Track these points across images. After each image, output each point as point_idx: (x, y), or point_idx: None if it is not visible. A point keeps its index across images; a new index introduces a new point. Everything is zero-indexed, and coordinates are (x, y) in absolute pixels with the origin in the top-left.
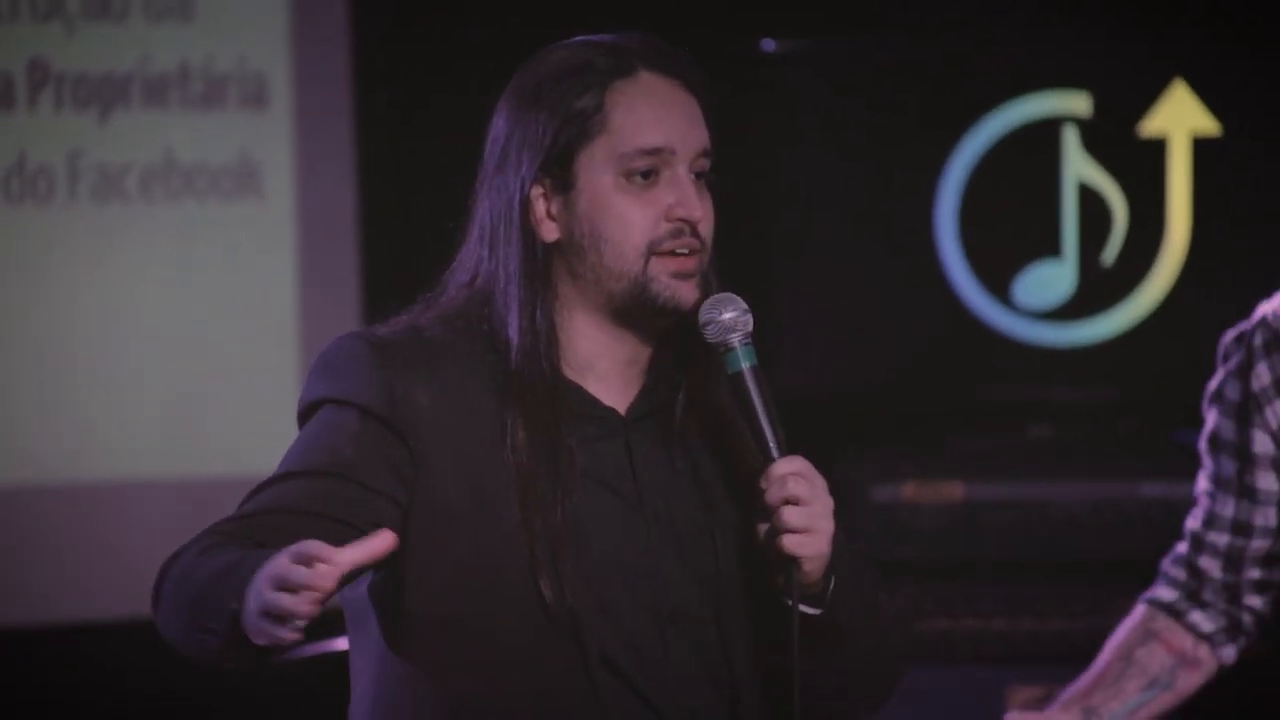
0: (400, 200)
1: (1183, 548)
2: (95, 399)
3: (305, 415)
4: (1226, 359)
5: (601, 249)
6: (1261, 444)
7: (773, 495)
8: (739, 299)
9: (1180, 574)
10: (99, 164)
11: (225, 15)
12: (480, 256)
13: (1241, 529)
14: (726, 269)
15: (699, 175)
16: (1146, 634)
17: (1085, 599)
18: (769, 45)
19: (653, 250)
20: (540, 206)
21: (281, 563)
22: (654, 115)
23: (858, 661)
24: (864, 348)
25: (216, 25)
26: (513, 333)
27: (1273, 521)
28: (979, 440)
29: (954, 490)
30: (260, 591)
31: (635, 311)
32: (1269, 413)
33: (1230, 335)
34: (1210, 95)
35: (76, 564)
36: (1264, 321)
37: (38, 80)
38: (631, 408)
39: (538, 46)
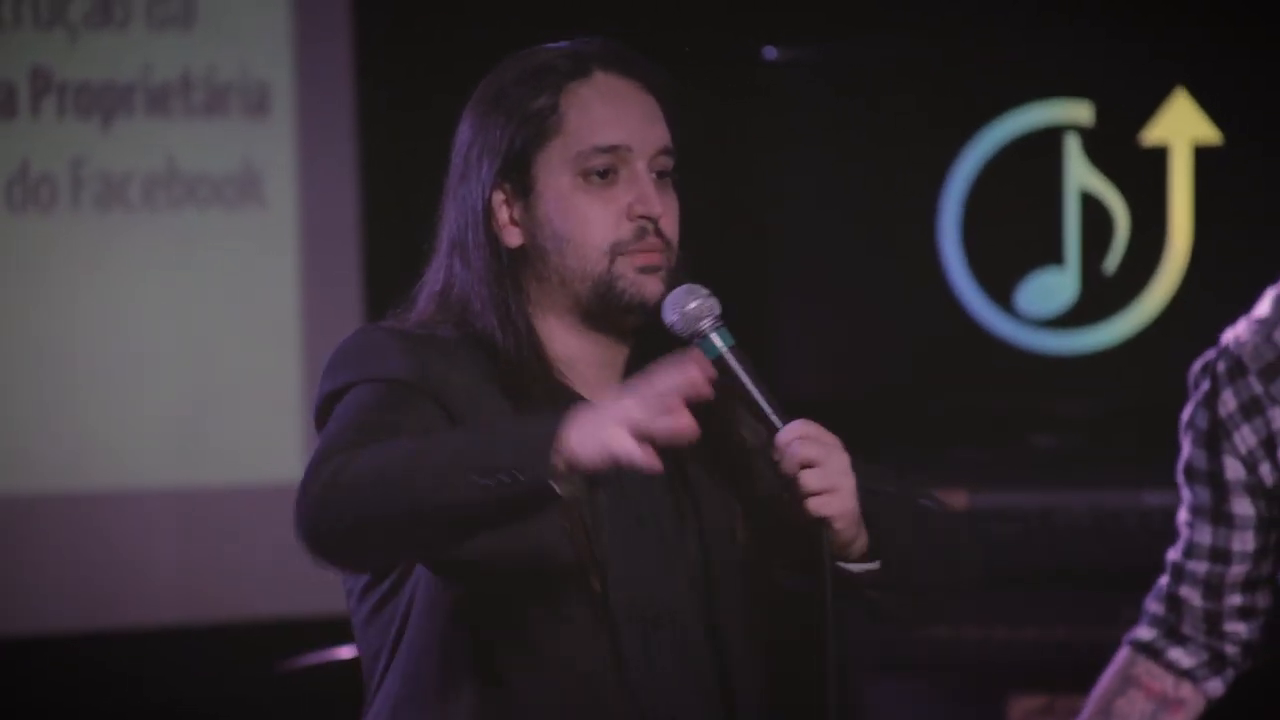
0: (402, 208)
1: (1164, 580)
2: (98, 407)
3: (328, 405)
4: (1195, 387)
5: (564, 250)
6: (1233, 470)
7: (786, 464)
8: (698, 286)
9: (1159, 609)
10: (101, 172)
11: (227, 24)
12: (451, 266)
13: (1220, 555)
14: (728, 275)
15: (660, 174)
16: (1125, 681)
17: (1087, 608)
18: (771, 53)
19: (617, 251)
20: (503, 213)
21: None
22: (610, 113)
23: (935, 575)
24: (865, 355)
25: (218, 34)
26: (498, 339)
27: (1250, 546)
28: (981, 449)
29: (956, 499)
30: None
31: (603, 311)
32: (1237, 438)
33: (1197, 365)
34: (1211, 104)
35: (79, 572)
36: (1226, 349)
37: (40, 88)
38: None
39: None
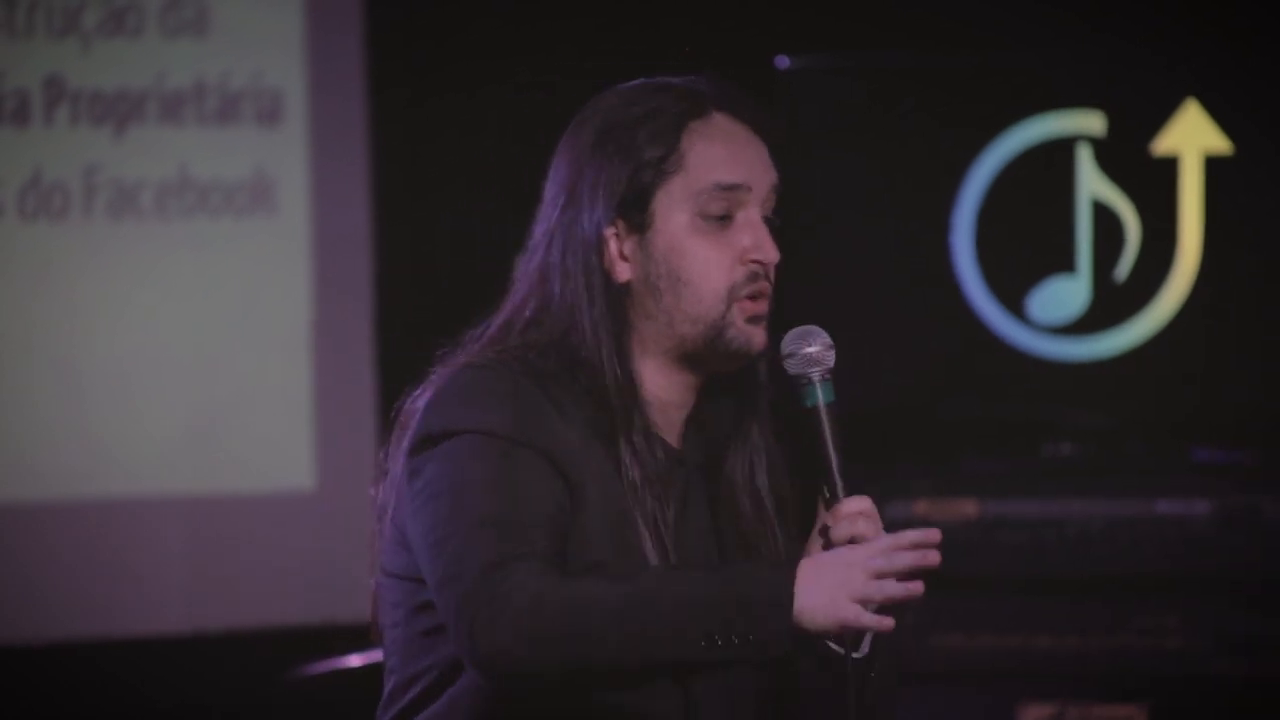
0: (415, 216)
1: None
2: (109, 414)
3: (429, 443)
4: None
5: (680, 291)
6: None
7: (839, 532)
8: (823, 333)
9: None
10: (114, 180)
11: (241, 32)
12: (551, 292)
13: None
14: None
15: (766, 218)
16: None
17: (1100, 616)
18: (784, 62)
19: (733, 296)
20: (613, 246)
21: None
22: (729, 153)
23: (889, 686)
24: (878, 363)
25: (232, 42)
26: (604, 374)
27: None
28: (992, 457)
29: (967, 507)
30: (861, 581)
31: (705, 355)
32: None
33: None
34: (1222, 115)
35: (90, 580)
36: None
37: (53, 96)
38: (684, 453)
39: (555, 66)
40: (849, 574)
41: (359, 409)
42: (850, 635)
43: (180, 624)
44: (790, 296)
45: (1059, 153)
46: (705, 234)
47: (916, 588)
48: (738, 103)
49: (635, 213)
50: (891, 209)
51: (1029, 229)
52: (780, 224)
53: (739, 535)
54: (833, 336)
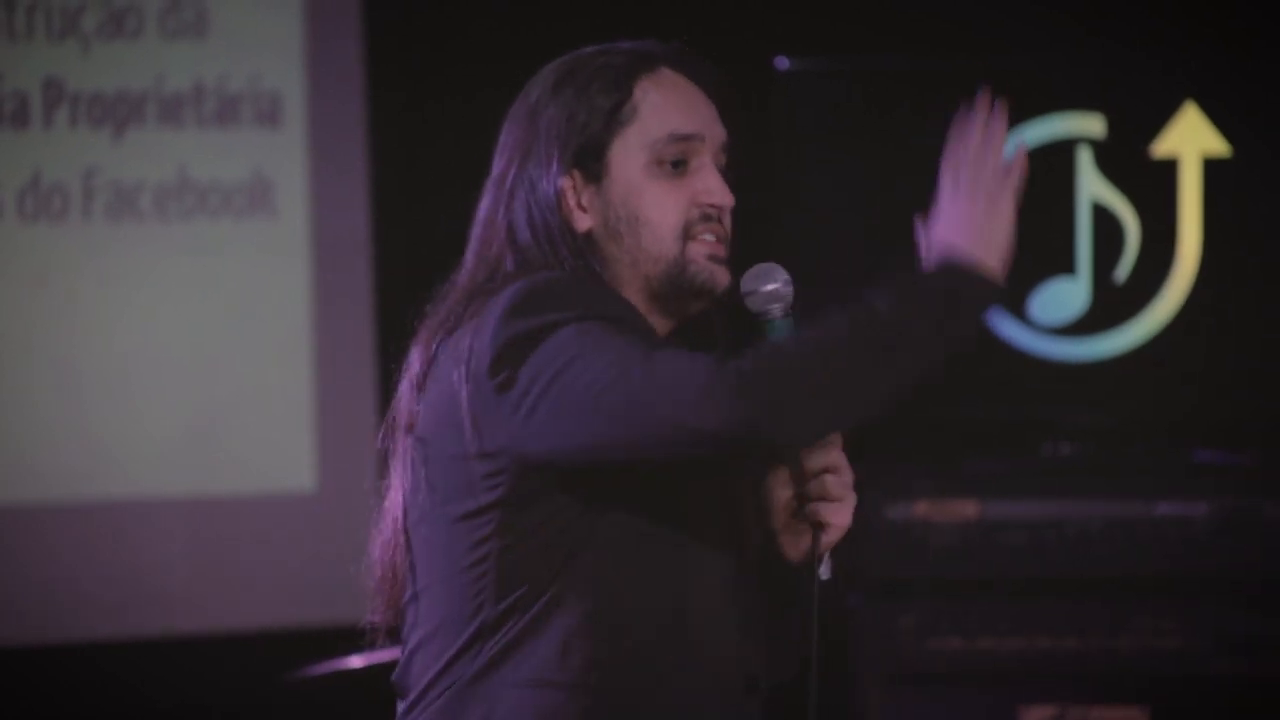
0: (414, 217)
1: None
2: (109, 416)
3: (526, 342)
4: None
5: (639, 231)
6: None
7: (813, 461)
8: (782, 270)
9: None
10: (113, 182)
11: (240, 34)
12: (521, 248)
13: None
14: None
15: (720, 171)
16: None
17: (1100, 617)
18: (782, 64)
19: (687, 233)
20: (570, 198)
21: None
22: (683, 104)
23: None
24: None
25: (230, 44)
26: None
27: None
28: (993, 458)
29: (968, 508)
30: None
31: (671, 294)
32: None
33: None
34: (1220, 118)
35: (91, 581)
36: None
37: (52, 99)
38: None
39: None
40: (991, 209)
41: (359, 410)
42: (812, 552)
43: (181, 625)
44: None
45: (1059, 155)
46: (660, 179)
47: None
48: (687, 61)
49: (591, 163)
50: (890, 211)
51: (1029, 230)
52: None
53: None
54: None
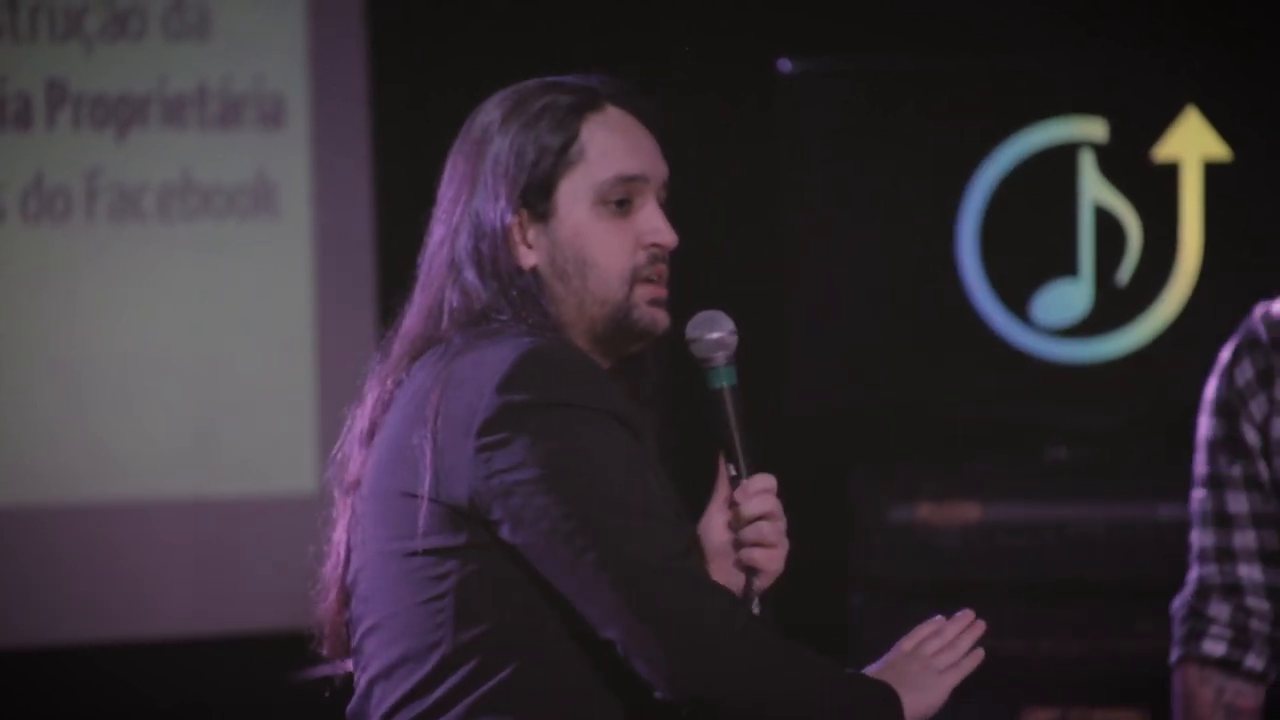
0: (416, 218)
1: (1208, 571)
2: (112, 417)
3: (543, 412)
4: (1217, 367)
5: (586, 274)
6: (1250, 436)
7: (751, 509)
8: (725, 317)
9: (1222, 609)
10: (116, 183)
11: (243, 35)
12: (467, 285)
13: (1262, 520)
14: (744, 287)
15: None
16: (1229, 715)
17: (1102, 620)
18: (785, 66)
19: (635, 277)
20: (516, 234)
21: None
22: (628, 145)
23: None
24: (883, 365)
25: (234, 45)
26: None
27: (1277, 510)
28: (996, 461)
29: (970, 511)
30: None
31: (613, 336)
32: (1253, 406)
33: (1227, 343)
34: (1221, 122)
35: (94, 583)
36: (1251, 322)
37: (56, 100)
38: None
39: (556, 69)
40: (939, 680)
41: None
42: (745, 595)
43: (183, 627)
44: (791, 297)
45: (1062, 158)
46: (607, 219)
47: (977, 657)
48: (628, 96)
49: (539, 202)
50: (892, 212)
51: (1032, 233)
52: (732, 198)
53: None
54: (835, 339)
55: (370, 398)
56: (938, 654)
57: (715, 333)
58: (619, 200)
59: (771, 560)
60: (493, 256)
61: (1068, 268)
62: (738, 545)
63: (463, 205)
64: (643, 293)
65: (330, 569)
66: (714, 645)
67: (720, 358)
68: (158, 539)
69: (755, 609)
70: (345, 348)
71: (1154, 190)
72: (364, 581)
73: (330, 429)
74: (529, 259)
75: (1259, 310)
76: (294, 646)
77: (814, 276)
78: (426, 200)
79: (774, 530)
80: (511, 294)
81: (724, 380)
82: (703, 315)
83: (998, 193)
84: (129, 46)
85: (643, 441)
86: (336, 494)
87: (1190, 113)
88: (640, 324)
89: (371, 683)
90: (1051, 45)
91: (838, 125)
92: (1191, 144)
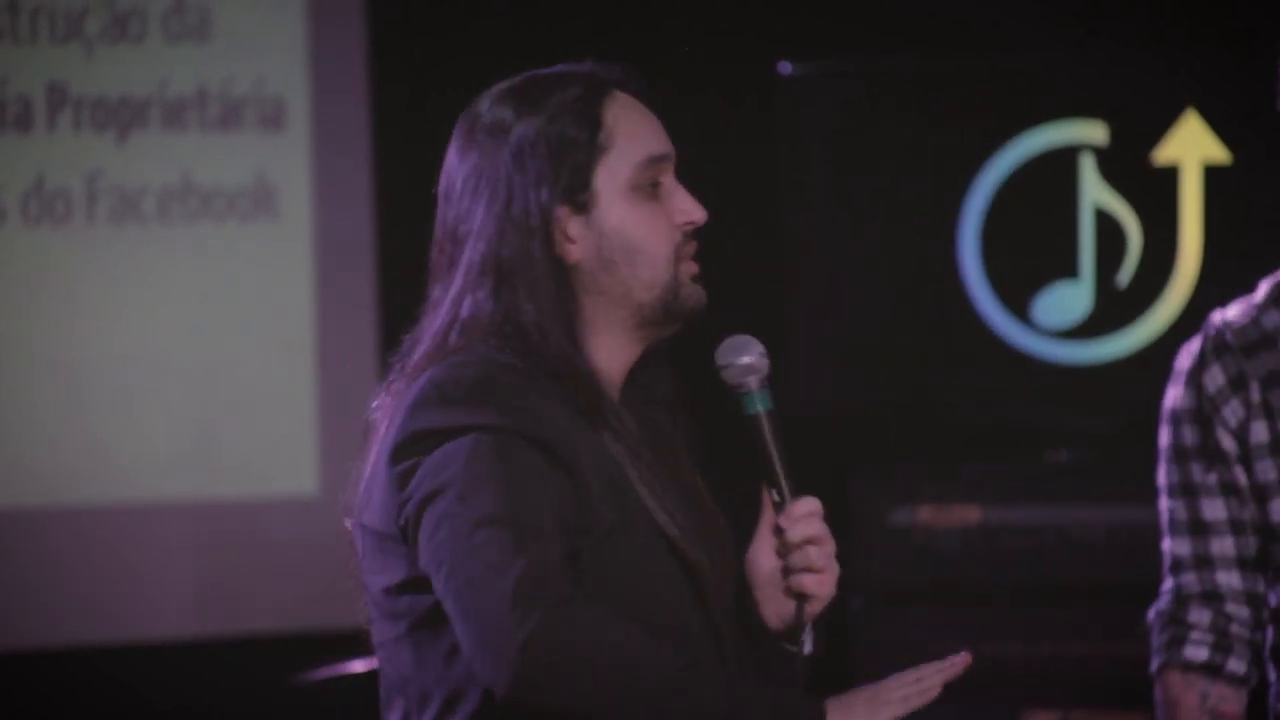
0: (418, 222)
1: (1187, 579)
2: (112, 420)
3: (431, 440)
4: (1179, 369)
5: (635, 261)
6: (1227, 442)
7: (796, 533)
8: (754, 341)
9: (1201, 615)
10: (117, 186)
11: (243, 37)
12: (498, 289)
13: (1239, 527)
14: (745, 288)
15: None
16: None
17: (1102, 623)
18: (786, 68)
19: (678, 257)
20: (559, 231)
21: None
22: (648, 126)
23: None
24: (884, 367)
25: (234, 47)
26: (573, 364)
27: (1254, 515)
28: (995, 463)
29: (970, 513)
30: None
31: (663, 319)
32: (1226, 412)
33: (1181, 352)
34: (1221, 125)
35: (94, 586)
36: (1213, 327)
37: (56, 102)
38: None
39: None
40: (883, 709)
41: (362, 413)
42: (797, 622)
43: (183, 629)
44: (792, 299)
45: (1062, 161)
46: (644, 203)
47: (929, 694)
48: (634, 79)
49: (578, 194)
50: (892, 213)
51: (1033, 235)
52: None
53: (685, 487)
54: (836, 341)
55: (388, 394)
56: (894, 687)
57: (745, 358)
58: (651, 184)
59: (821, 585)
60: (530, 257)
61: (1068, 270)
62: (786, 572)
63: (491, 205)
64: (685, 270)
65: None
66: (529, 654)
67: (753, 382)
68: (158, 541)
69: (808, 636)
70: (345, 350)
71: (1154, 193)
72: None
73: (330, 431)
74: (573, 254)
75: (1216, 318)
76: (294, 648)
77: (814, 276)
78: (428, 202)
79: (822, 555)
80: (551, 300)
81: (759, 405)
82: (731, 341)
83: (999, 195)
84: (129, 49)
85: (542, 441)
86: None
87: (1190, 116)
88: (689, 303)
89: (385, 709)
90: (1051, 46)
91: (838, 126)
92: (1191, 147)
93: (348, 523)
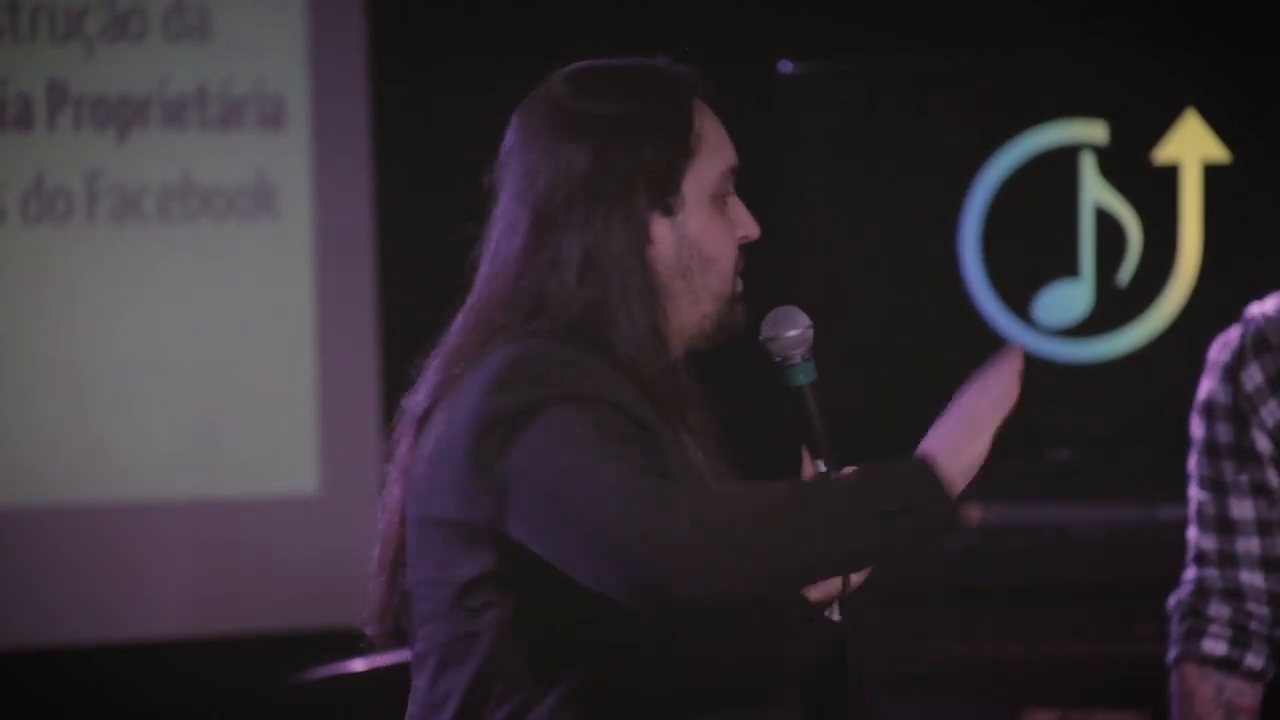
0: (418, 220)
1: (1208, 574)
2: (112, 419)
3: (518, 420)
4: (1215, 364)
5: (709, 269)
6: (1262, 443)
7: None
8: (801, 314)
9: (1222, 609)
10: (117, 185)
11: (243, 36)
12: (582, 283)
13: (1266, 528)
14: (746, 287)
15: None
16: (1229, 713)
17: (1102, 623)
18: (786, 67)
19: (736, 270)
20: (656, 233)
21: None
22: (723, 134)
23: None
24: (884, 366)
25: (234, 47)
26: (658, 359)
27: None
28: (995, 462)
29: (970, 512)
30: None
31: (713, 331)
32: (1264, 412)
33: (1216, 343)
34: (1220, 125)
35: (93, 585)
36: (1253, 325)
37: (56, 101)
38: None
39: (555, 68)
40: (981, 424)
41: (362, 413)
42: (843, 595)
43: (183, 628)
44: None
45: (1063, 161)
46: (718, 213)
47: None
48: (705, 84)
49: (669, 196)
50: (892, 213)
51: (1034, 234)
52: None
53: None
54: (837, 340)
55: (432, 380)
56: (975, 405)
57: (794, 330)
58: (725, 194)
59: None
60: (622, 256)
61: (1069, 269)
62: None
63: (582, 199)
64: (738, 287)
65: (381, 552)
66: (665, 536)
67: (799, 355)
68: (158, 540)
69: (835, 613)
70: (345, 349)
71: (1154, 192)
72: (416, 601)
73: (330, 430)
74: (660, 259)
75: (1255, 311)
76: (294, 648)
77: (814, 276)
78: (427, 201)
79: None
80: (644, 303)
81: (805, 377)
82: (778, 313)
83: (999, 194)
84: (129, 48)
85: (629, 412)
86: (391, 471)
87: (1190, 115)
88: (736, 319)
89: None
90: (1051, 46)
91: (838, 126)
92: (1191, 146)
93: (378, 515)
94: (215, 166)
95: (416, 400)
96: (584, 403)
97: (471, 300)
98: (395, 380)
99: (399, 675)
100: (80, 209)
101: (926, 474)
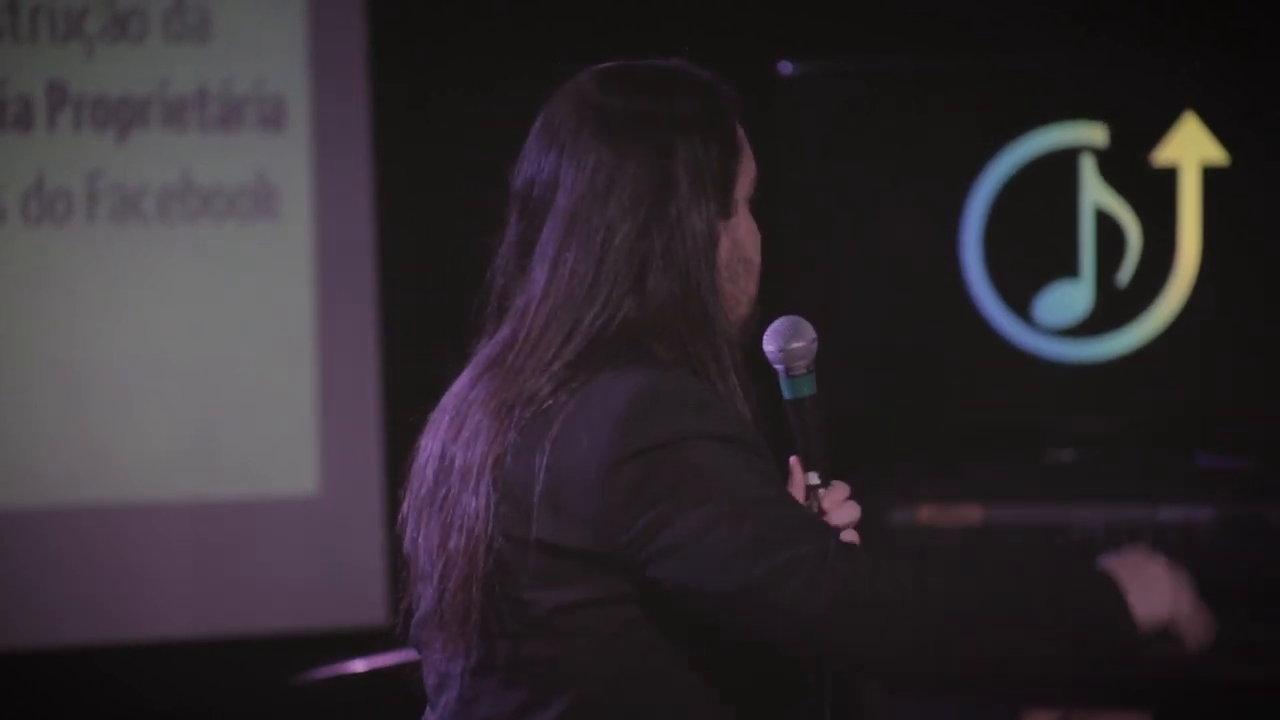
0: (418, 220)
1: None
2: (113, 419)
3: (664, 453)
4: None
5: (749, 273)
6: None
7: (839, 517)
8: (807, 325)
9: None
10: (117, 185)
11: (243, 37)
12: (658, 292)
13: None
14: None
15: None
16: None
17: None
18: (786, 68)
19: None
20: (719, 236)
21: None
22: (746, 139)
23: None
24: (884, 367)
25: (234, 47)
26: (726, 370)
27: None
28: (997, 462)
29: (971, 513)
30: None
31: (738, 333)
32: None
33: None
34: (1219, 127)
35: (94, 586)
36: None
37: (56, 102)
38: None
39: (556, 72)
40: (1175, 588)
41: (362, 414)
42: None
43: (184, 629)
44: (793, 299)
45: (1063, 163)
46: (751, 218)
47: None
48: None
49: (727, 199)
50: (892, 213)
51: (1034, 235)
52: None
53: None
54: (838, 341)
55: (500, 390)
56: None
57: (800, 341)
58: (753, 199)
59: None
60: (695, 263)
61: (1069, 269)
62: None
63: (649, 204)
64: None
65: (463, 569)
66: (870, 604)
67: (802, 366)
68: (158, 541)
69: None
70: (346, 350)
71: (1153, 194)
72: (491, 616)
73: (330, 431)
74: (721, 262)
75: None
76: (294, 648)
77: (814, 276)
78: (428, 202)
79: (856, 538)
80: (705, 299)
81: (807, 389)
82: (785, 323)
83: (1000, 196)
84: (130, 48)
85: (764, 453)
86: (459, 481)
87: (1189, 118)
88: (751, 325)
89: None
90: (1051, 46)
91: (838, 126)
92: (1190, 148)
93: (452, 531)
94: (215, 167)
95: (474, 403)
96: (728, 442)
97: (531, 304)
98: (395, 381)
99: (399, 675)
100: (80, 209)
101: (1120, 606)
